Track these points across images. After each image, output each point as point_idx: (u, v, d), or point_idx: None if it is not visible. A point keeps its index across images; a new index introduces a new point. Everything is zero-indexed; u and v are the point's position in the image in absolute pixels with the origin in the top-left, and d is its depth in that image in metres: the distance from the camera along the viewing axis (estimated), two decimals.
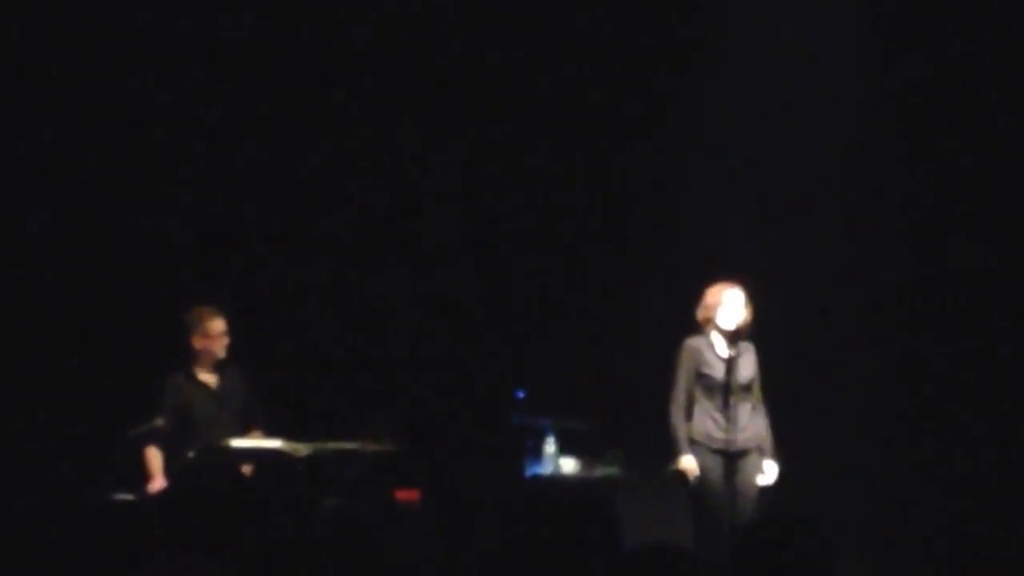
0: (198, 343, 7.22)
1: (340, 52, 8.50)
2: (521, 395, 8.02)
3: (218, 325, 7.22)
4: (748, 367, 7.17)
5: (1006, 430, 8.00)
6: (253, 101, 8.43)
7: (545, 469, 7.64)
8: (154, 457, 7.07)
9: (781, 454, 7.19)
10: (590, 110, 8.70)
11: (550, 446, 7.66)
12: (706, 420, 7.11)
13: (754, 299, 7.19)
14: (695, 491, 7.07)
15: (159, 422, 7.07)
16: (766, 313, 7.27)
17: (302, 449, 6.90)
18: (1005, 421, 8.01)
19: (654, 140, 8.68)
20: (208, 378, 7.27)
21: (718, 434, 7.08)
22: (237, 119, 8.42)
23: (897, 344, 8.31)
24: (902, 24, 8.32)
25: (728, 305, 7.15)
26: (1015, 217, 8.16)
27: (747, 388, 7.15)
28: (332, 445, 7.01)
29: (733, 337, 7.13)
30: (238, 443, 7.00)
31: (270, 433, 7.20)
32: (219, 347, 7.23)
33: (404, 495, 6.95)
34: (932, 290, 8.33)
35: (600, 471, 7.71)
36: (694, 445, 7.10)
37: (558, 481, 7.60)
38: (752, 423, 7.14)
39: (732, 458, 7.09)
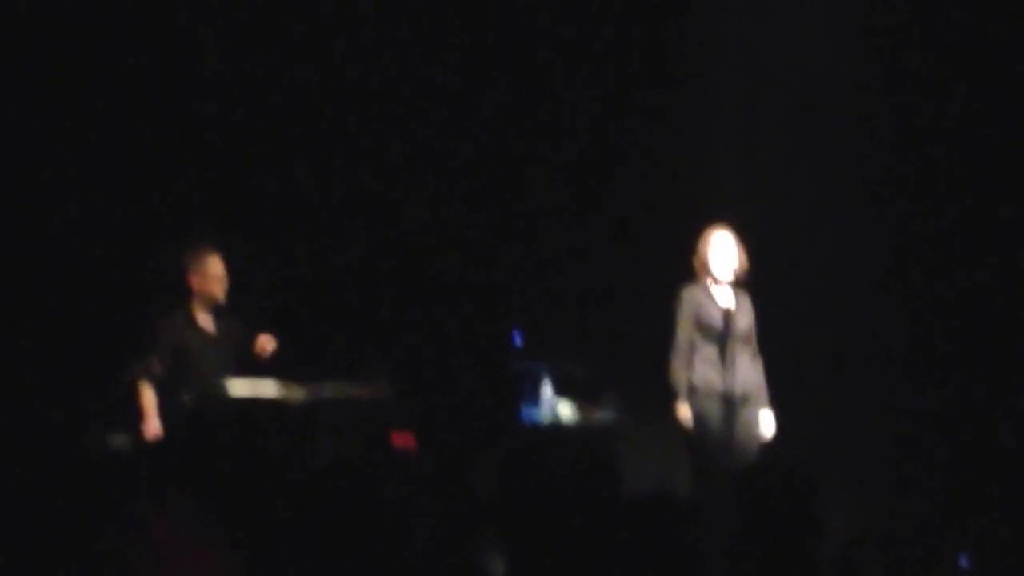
0: (196, 283, 7.18)
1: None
2: (518, 339, 8.03)
3: (217, 266, 7.18)
4: (745, 315, 7.20)
5: (994, 378, 8.07)
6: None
7: (542, 413, 7.67)
8: (148, 396, 7.03)
9: (775, 402, 7.23)
10: (585, 62, 8.72)
11: (547, 390, 7.68)
12: (706, 367, 7.14)
13: (746, 244, 7.22)
14: (694, 436, 7.10)
15: (153, 366, 7.07)
16: (759, 261, 7.30)
17: (298, 393, 6.90)
18: (994, 369, 8.08)
19: (652, 91, 8.70)
20: (205, 321, 7.25)
21: (717, 381, 7.11)
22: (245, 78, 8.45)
23: (886, 292, 8.37)
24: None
25: (718, 249, 7.18)
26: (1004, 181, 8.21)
27: (746, 336, 7.19)
28: (327, 389, 7.00)
29: (730, 284, 7.16)
30: (234, 387, 7.00)
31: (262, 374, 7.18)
32: (217, 288, 7.19)
33: (400, 439, 6.96)
34: (919, 245, 8.37)
35: (597, 415, 7.72)
36: (694, 391, 7.13)
37: (558, 429, 7.63)
38: (751, 371, 7.17)
39: (732, 405, 7.11)
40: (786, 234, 8.24)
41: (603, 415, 7.72)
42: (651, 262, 8.06)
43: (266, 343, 7.20)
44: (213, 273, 7.17)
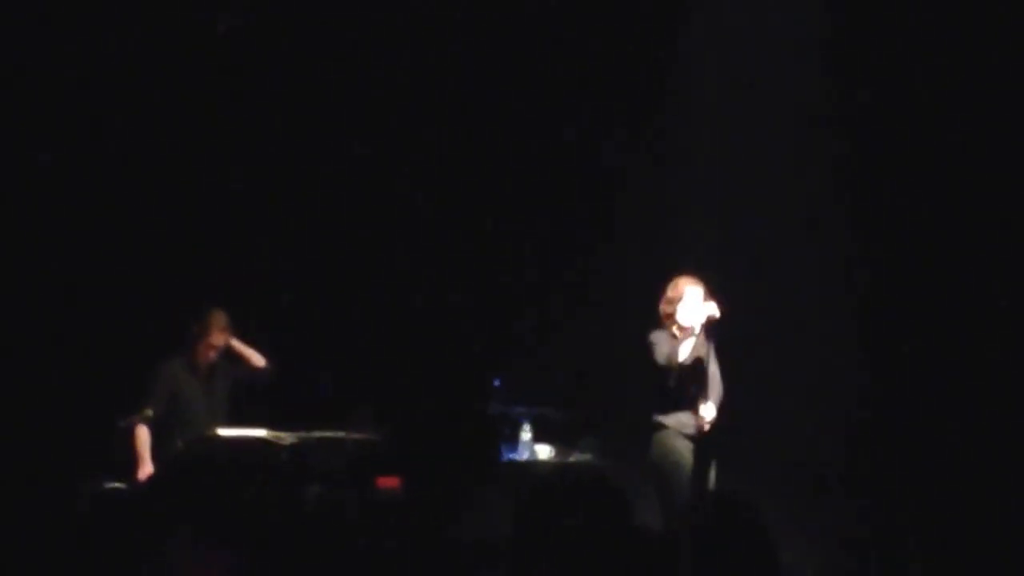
0: (198, 343, 7.46)
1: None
2: (497, 384, 8.17)
3: (221, 339, 7.47)
4: (710, 357, 7.31)
5: (962, 423, 8.07)
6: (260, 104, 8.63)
7: (521, 455, 7.79)
8: (143, 440, 7.26)
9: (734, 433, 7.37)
10: (569, 104, 8.81)
11: (526, 433, 7.82)
12: (679, 406, 7.27)
13: (717, 293, 7.29)
14: (664, 471, 7.21)
15: (148, 411, 7.29)
16: (733, 302, 7.36)
17: (287, 438, 7.09)
18: (962, 414, 8.08)
19: (631, 134, 8.80)
20: (202, 369, 7.51)
21: (687, 421, 7.26)
22: (242, 123, 8.60)
23: (854, 337, 8.40)
24: (867, 26, 8.41)
25: (688, 300, 7.29)
26: (979, 207, 8.20)
27: (710, 377, 7.31)
28: (316, 434, 7.20)
29: (697, 331, 7.23)
30: (226, 433, 7.18)
31: (251, 424, 7.38)
32: (213, 352, 7.49)
33: (385, 482, 7.09)
34: (887, 293, 8.38)
35: (574, 457, 7.85)
36: (665, 431, 7.26)
37: (573, 465, 7.75)
38: (715, 412, 7.29)
39: (697, 444, 7.26)
40: (760, 283, 8.31)
41: (580, 456, 7.85)
42: (627, 309, 8.07)
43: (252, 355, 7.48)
44: (216, 343, 7.45)
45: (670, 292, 7.35)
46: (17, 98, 8.00)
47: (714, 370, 7.35)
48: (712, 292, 7.31)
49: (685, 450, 7.24)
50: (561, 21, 8.78)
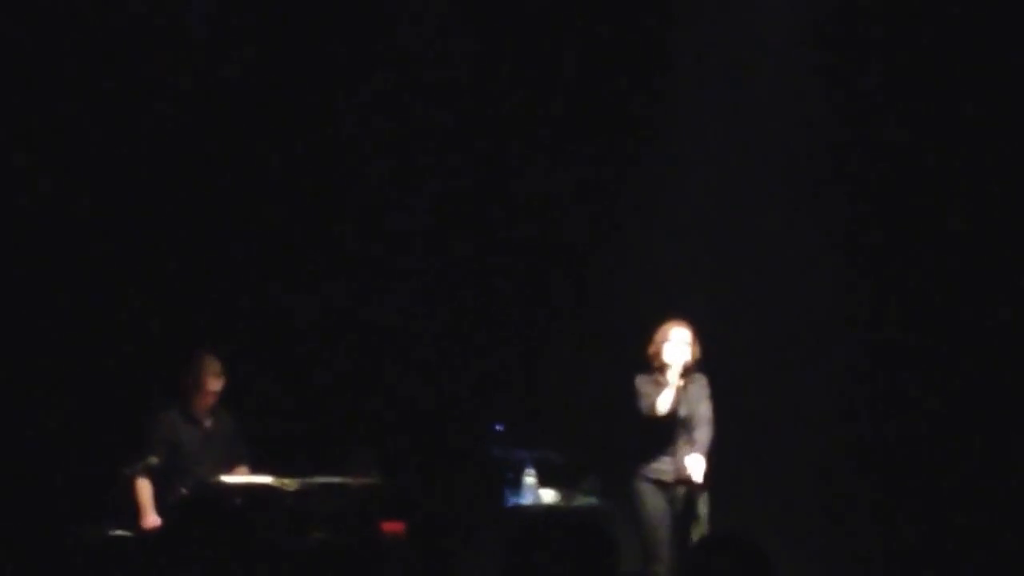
0: (192, 389, 7.49)
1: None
2: (500, 428, 8.20)
3: (215, 383, 7.49)
4: (693, 401, 7.38)
5: (952, 467, 8.10)
6: (245, 138, 8.64)
7: (525, 499, 7.81)
8: (145, 490, 7.28)
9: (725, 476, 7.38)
10: (556, 144, 8.81)
11: (529, 477, 7.83)
12: (652, 452, 7.35)
13: (703, 336, 7.38)
14: (640, 519, 7.32)
15: (152, 460, 7.31)
16: (725, 341, 7.48)
17: (291, 484, 7.13)
18: (951, 459, 8.10)
19: (622, 177, 8.83)
20: (200, 416, 7.54)
21: (662, 466, 7.33)
22: (226, 161, 8.61)
23: (842, 378, 8.41)
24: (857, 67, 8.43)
25: (673, 342, 7.38)
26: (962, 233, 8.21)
27: (689, 421, 7.35)
28: (319, 479, 7.24)
29: (681, 373, 7.33)
30: (230, 479, 7.24)
31: (254, 471, 7.46)
32: (210, 399, 7.51)
33: (390, 527, 7.13)
34: (878, 331, 8.38)
35: (578, 500, 7.89)
36: (637, 478, 7.35)
37: (560, 510, 7.79)
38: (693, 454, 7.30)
39: (672, 488, 7.32)
40: (754, 317, 8.35)
41: (583, 499, 7.89)
42: (627, 351, 8.00)
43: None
44: (210, 387, 7.48)
45: (657, 335, 7.46)
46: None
47: (704, 412, 7.39)
48: (699, 336, 7.40)
49: (658, 497, 7.33)
50: (541, 49, 8.80)
